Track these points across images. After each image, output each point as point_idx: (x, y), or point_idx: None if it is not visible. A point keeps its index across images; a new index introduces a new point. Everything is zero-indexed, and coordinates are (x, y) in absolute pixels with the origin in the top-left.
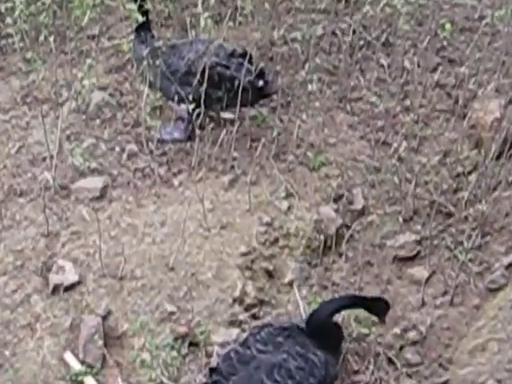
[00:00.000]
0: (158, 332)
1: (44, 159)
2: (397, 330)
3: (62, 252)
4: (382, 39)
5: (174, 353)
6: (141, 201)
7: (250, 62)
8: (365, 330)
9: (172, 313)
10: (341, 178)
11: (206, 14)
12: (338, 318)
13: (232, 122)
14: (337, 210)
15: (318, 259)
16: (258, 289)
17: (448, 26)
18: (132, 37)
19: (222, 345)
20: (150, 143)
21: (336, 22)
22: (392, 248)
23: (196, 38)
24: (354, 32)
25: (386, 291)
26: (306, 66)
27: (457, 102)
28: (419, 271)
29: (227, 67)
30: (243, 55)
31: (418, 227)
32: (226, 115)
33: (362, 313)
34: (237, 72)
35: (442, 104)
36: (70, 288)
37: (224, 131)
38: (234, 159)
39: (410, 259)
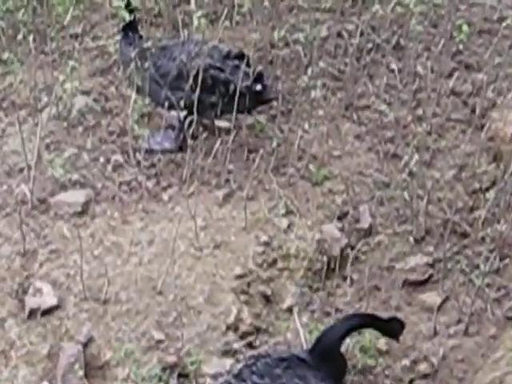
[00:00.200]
0: (145, 362)
1: (21, 170)
2: (406, 362)
3: (40, 272)
4: (393, 42)
5: None
6: (127, 217)
7: (248, 64)
8: (371, 362)
9: (160, 341)
10: (346, 194)
11: (200, 13)
12: (342, 347)
13: (227, 131)
14: (341, 229)
15: (320, 283)
16: (254, 315)
17: (465, 27)
18: (118, 37)
19: (215, 376)
20: (137, 154)
21: (342, 23)
22: (402, 271)
23: (188, 39)
24: (362, 33)
25: None
26: (309, 70)
27: (474, 111)
28: (431, 297)
29: (222, 70)
30: (239, 57)
31: (431, 249)
32: (221, 123)
33: (367, 342)
34: (232, 75)
35: (458, 113)
36: (48, 312)
37: (218, 141)
38: (230, 172)
39: (422, 284)
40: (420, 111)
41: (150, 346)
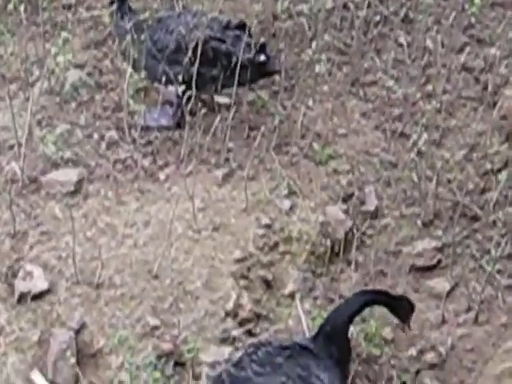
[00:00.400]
0: (139, 349)
1: (11, 147)
2: (413, 352)
3: (30, 255)
4: (401, 14)
5: (157, 374)
6: (121, 197)
7: (249, 34)
8: (376, 351)
9: (155, 327)
10: (351, 174)
11: None
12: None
13: (227, 107)
14: (346, 211)
15: (323, 267)
16: (254, 301)
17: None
18: (114, 7)
19: (212, 365)
20: (132, 130)
21: None
22: (409, 256)
23: (186, 10)
24: (369, 5)
25: None
26: (314, 43)
27: (486, 88)
28: (440, 283)
29: (222, 41)
30: (240, 27)
31: (439, 232)
32: (221, 99)
33: (372, 330)
34: (234, 46)
35: (469, 90)
36: (38, 297)
37: (218, 118)
38: (229, 150)
39: (430, 269)
40: (429, 88)
41: (145, 332)
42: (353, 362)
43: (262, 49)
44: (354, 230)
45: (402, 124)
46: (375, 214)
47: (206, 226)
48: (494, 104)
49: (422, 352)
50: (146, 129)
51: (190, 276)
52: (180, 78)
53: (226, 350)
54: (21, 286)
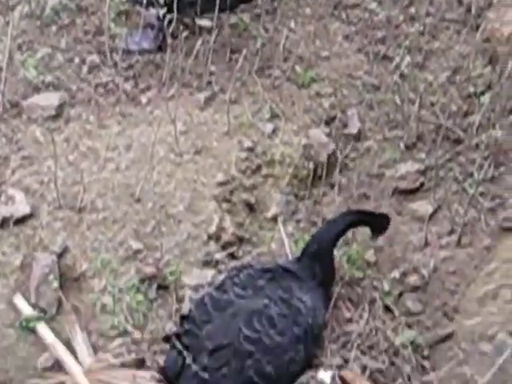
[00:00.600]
0: (122, 272)
1: None
2: (395, 274)
3: (12, 180)
4: None
5: (140, 296)
6: (103, 121)
7: None
8: (359, 273)
9: (138, 250)
10: (334, 97)
11: None
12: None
13: (209, 30)
14: (329, 134)
15: (306, 191)
16: (236, 224)
17: None
18: None
19: (195, 288)
20: (114, 54)
21: None
22: (392, 179)
23: None
24: None
25: None
26: None
27: (469, 10)
28: (422, 206)
29: None
30: None
31: (422, 155)
32: (203, 22)
33: (355, 253)
34: None
35: (452, 13)
36: (20, 221)
37: (200, 41)
38: (211, 74)
39: (413, 192)
40: (412, 10)
41: (128, 256)
42: (336, 285)
43: None
44: (337, 153)
45: (384, 47)
46: (358, 137)
47: (188, 149)
48: (478, 27)
49: (404, 274)
50: (128, 52)
51: (173, 199)
52: (161, 0)
53: (209, 273)
54: (3, 210)
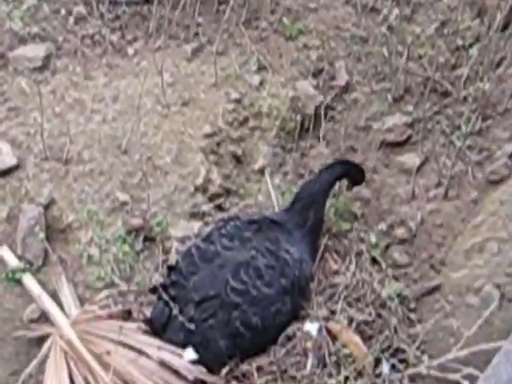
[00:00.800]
0: (108, 224)
1: None
2: (382, 226)
3: None
4: None
5: (127, 247)
6: (89, 72)
7: None
8: (346, 226)
9: (124, 202)
10: (321, 49)
11: None
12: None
13: None
14: (316, 86)
15: (293, 143)
16: (223, 176)
17: None
18: None
19: (182, 240)
20: (100, 5)
21: None
22: (379, 131)
23: None
24: None
25: (372, 181)
26: None
27: None
28: (410, 158)
29: None
30: None
31: (410, 108)
32: None
33: (342, 205)
34: None
35: None
36: (6, 173)
37: None
38: (199, 25)
39: (400, 145)
40: None
41: (115, 207)
42: (322, 237)
43: None
44: (324, 106)
45: None
46: (345, 89)
47: (175, 100)
48: None
49: (391, 227)
50: (114, 3)
51: (160, 151)
52: None
53: (196, 225)
54: None
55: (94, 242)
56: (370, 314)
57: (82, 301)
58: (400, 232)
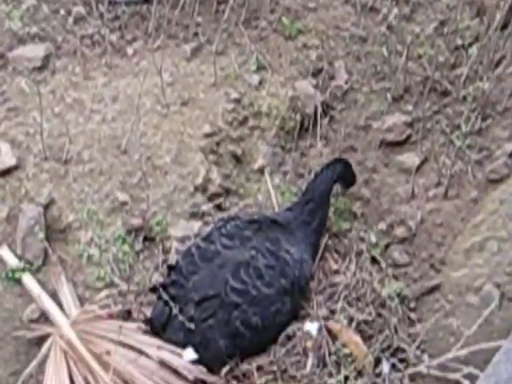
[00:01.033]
0: (108, 224)
1: None
2: (382, 226)
3: None
4: None
5: (127, 247)
6: (89, 72)
7: None
8: (346, 225)
9: (124, 202)
10: (321, 49)
11: None
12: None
13: None
14: (316, 86)
15: (293, 143)
16: (223, 176)
17: None
18: None
19: (182, 240)
20: (100, 5)
21: None
22: (379, 131)
23: None
24: None
25: (371, 180)
26: None
27: None
28: (409, 158)
29: None
30: None
31: (409, 107)
32: None
33: (342, 205)
34: None
35: None
36: (6, 173)
37: None
38: (198, 25)
39: (399, 144)
40: None
41: (114, 207)
42: (323, 237)
43: None
44: (324, 106)
45: None
46: (345, 89)
47: (175, 100)
48: None
49: (391, 226)
50: (114, 3)
51: (159, 151)
52: None
53: (196, 225)
54: None
55: (94, 242)
56: (370, 314)
57: (81, 301)
58: (400, 231)
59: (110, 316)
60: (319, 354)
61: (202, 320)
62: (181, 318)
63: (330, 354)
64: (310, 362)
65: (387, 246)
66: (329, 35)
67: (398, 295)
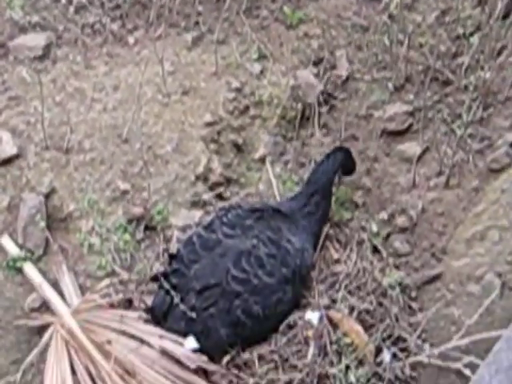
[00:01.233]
0: (109, 213)
1: None
2: (384, 215)
3: None
4: None
5: (128, 236)
6: (90, 61)
7: None
8: (347, 215)
9: (125, 191)
10: (322, 38)
11: None
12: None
13: None
14: (317, 75)
15: (294, 132)
16: (224, 165)
17: None
18: None
19: (183, 229)
20: None
21: None
22: (380, 120)
23: None
24: None
25: (373, 170)
26: None
27: None
28: (411, 147)
29: None
30: None
31: (411, 96)
32: None
33: (343, 194)
34: None
35: None
36: (7, 162)
37: None
38: (199, 14)
39: (401, 133)
40: None
41: (115, 196)
42: (324, 226)
43: None
44: (325, 95)
45: None
46: (346, 78)
47: (176, 89)
48: None
49: (392, 216)
50: None
51: (160, 140)
52: None
53: (197, 214)
54: None
55: (95, 231)
56: (371, 303)
57: (82, 290)
58: (401, 221)
59: (112, 305)
60: (320, 343)
61: (204, 309)
62: (182, 306)
63: (331, 343)
64: (311, 351)
65: (388, 236)
66: (330, 24)
67: (399, 284)
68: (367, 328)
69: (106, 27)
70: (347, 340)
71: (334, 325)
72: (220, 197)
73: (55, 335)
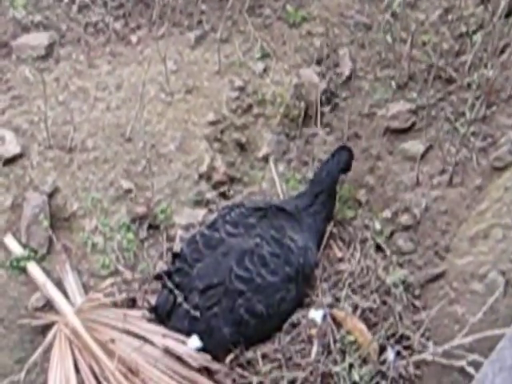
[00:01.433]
0: (113, 212)
1: None
2: (387, 214)
3: (2, 120)
4: None
5: (131, 235)
6: (93, 60)
7: None
8: (350, 213)
9: (129, 190)
10: (325, 37)
11: None
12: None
13: None
14: (320, 74)
15: (297, 130)
16: (228, 163)
17: None
18: None
19: (186, 228)
20: None
21: None
22: (383, 118)
23: None
24: None
25: (376, 168)
26: None
27: None
28: (414, 145)
29: None
30: None
31: (414, 95)
32: None
33: (346, 192)
34: None
35: None
36: (10, 161)
37: None
38: (202, 12)
39: (404, 131)
40: None
41: (119, 195)
42: (328, 225)
43: None
44: (328, 93)
45: None
46: (349, 77)
47: (179, 88)
48: None
49: (396, 214)
50: None
51: (163, 139)
52: None
53: (200, 213)
54: None
55: (99, 230)
56: (375, 301)
57: (86, 289)
58: (404, 219)
59: (115, 304)
60: (324, 342)
61: (207, 308)
62: (185, 305)
63: (334, 342)
64: (314, 349)
65: (392, 234)
66: (333, 23)
67: (403, 283)
68: (371, 326)
69: (108, 26)
70: (351, 338)
71: (338, 323)
72: (223, 195)
73: (59, 334)
